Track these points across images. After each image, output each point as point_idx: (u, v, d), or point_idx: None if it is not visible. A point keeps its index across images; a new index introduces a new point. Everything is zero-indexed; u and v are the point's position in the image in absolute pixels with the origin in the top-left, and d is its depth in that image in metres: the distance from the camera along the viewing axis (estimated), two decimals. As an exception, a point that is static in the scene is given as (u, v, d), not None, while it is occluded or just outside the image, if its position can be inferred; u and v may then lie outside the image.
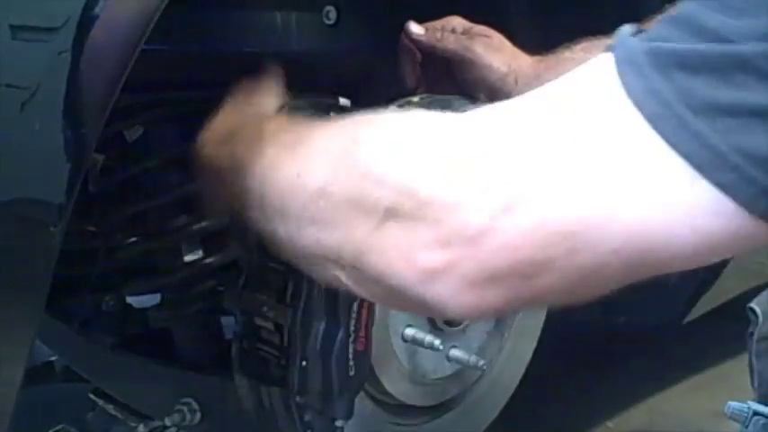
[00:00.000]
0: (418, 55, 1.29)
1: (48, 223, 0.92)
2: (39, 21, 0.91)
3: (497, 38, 1.28)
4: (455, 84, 1.30)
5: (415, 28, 1.28)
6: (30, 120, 0.91)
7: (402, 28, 1.30)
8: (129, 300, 1.40)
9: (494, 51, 1.27)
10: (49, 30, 0.89)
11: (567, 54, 1.27)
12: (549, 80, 1.31)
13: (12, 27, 0.91)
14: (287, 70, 1.32)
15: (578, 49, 1.27)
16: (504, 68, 1.26)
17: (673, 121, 0.61)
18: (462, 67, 1.28)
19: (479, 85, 1.28)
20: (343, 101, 1.28)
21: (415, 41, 1.28)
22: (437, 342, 1.25)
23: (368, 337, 1.20)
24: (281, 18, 1.24)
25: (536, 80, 1.27)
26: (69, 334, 1.39)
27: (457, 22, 1.29)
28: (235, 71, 1.27)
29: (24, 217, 0.94)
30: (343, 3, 1.27)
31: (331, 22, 1.28)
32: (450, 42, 1.27)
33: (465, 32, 1.28)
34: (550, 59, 1.28)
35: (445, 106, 1.30)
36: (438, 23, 1.29)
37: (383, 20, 1.30)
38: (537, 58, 1.28)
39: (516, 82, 1.27)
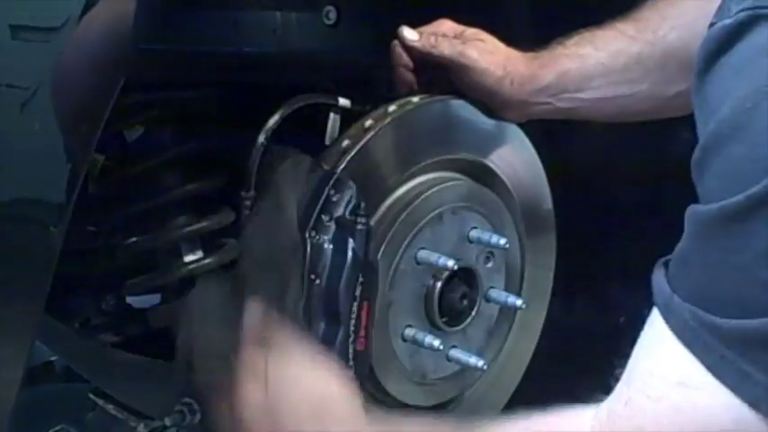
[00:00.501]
0: (409, 62, 1.29)
1: (48, 223, 0.92)
2: (39, 21, 0.91)
3: (490, 41, 1.28)
4: (451, 86, 1.30)
5: (410, 34, 1.28)
6: (30, 120, 0.91)
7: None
8: (129, 300, 1.40)
9: (488, 55, 1.26)
10: (49, 30, 0.90)
11: (559, 50, 1.28)
12: (545, 79, 1.32)
13: (12, 27, 0.91)
14: (287, 70, 1.32)
15: (571, 44, 1.27)
16: (499, 72, 1.26)
17: None
18: (458, 72, 1.28)
19: (475, 89, 1.28)
20: (343, 101, 1.28)
21: (409, 47, 1.28)
22: (437, 342, 1.25)
23: (368, 337, 1.20)
24: (281, 18, 1.24)
25: (531, 80, 1.27)
26: (69, 334, 1.39)
27: (447, 26, 1.29)
28: (235, 71, 1.28)
29: (24, 217, 0.94)
30: (343, 3, 1.27)
31: (331, 22, 1.28)
32: (445, 48, 1.26)
33: (457, 36, 1.28)
34: (544, 56, 1.28)
35: (443, 107, 1.30)
36: (428, 28, 1.29)
37: (383, 20, 1.30)
38: (531, 55, 1.28)
39: (512, 83, 1.27)
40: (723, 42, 0.74)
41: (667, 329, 0.77)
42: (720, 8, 0.77)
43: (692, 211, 0.77)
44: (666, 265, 0.81)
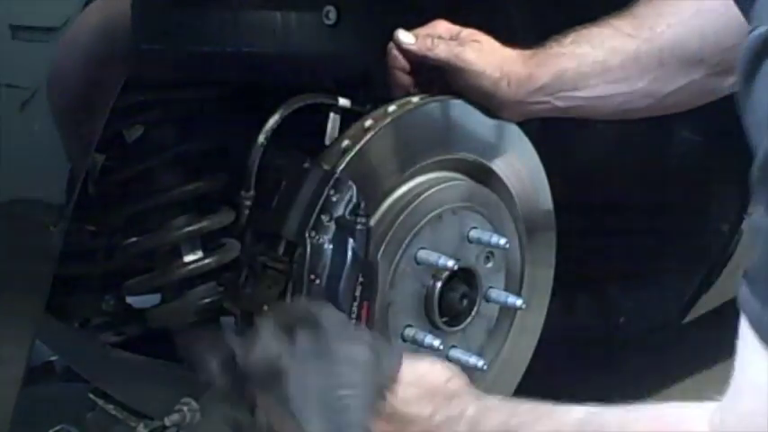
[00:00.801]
0: (406, 65, 1.28)
1: (48, 223, 0.92)
2: (39, 21, 0.91)
3: (487, 42, 1.28)
4: (448, 88, 1.30)
5: (405, 37, 1.28)
6: (30, 120, 0.91)
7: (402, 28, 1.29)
8: (129, 300, 1.40)
9: (485, 57, 1.26)
10: (49, 30, 0.90)
11: (556, 49, 1.27)
12: (542, 79, 1.32)
13: (12, 27, 0.91)
14: (287, 70, 1.32)
15: (568, 43, 1.27)
16: (496, 74, 1.26)
17: None
18: (454, 75, 1.27)
19: (472, 91, 1.28)
20: (343, 101, 1.28)
21: (405, 51, 1.28)
22: (437, 342, 1.25)
23: (368, 337, 1.20)
24: (281, 18, 1.24)
25: (528, 81, 1.27)
26: (69, 334, 1.39)
27: (443, 28, 1.29)
28: (235, 71, 1.28)
29: (24, 217, 0.95)
30: (343, 3, 1.27)
31: (331, 22, 1.28)
32: (442, 51, 1.26)
33: (454, 38, 1.28)
34: (540, 55, 1.27)
35: (443, 107, 1.30)
36: (424, 30, 1.28)
37: (383, 20, 1.30)
38: (527, 53, 1.28)
39: (509, 85, 1.26)
40: (762, 49, 0.74)
41: (761, 345, 0.77)
42: (753, 16, 0.77)
43: (759, 224, 0.77)
44: (747, 279, 0.81)
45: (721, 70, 1.21)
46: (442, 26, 1.28)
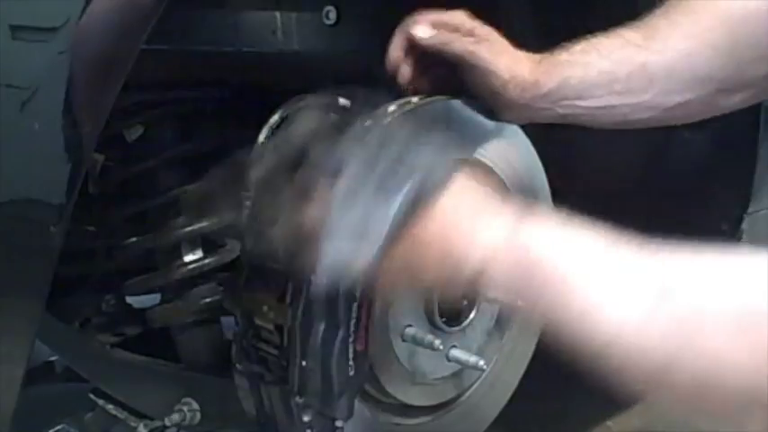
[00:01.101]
0: (409, 61, 1.28)
1: (48, 223, 0.92)
2: (39, 21, 0.91)
3: (499, 42, 1.27)
4: (450, 83, 1.29)
5: (422, 32, 1.26)
6: (30, 120, 0.91)
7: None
8: (129, 300, 1.41)
9: (498, 57, 1.25)
10: (49, 30, 0.90)
11: (564, 57, 1.26)
12: (546, 86, 1.31)
13: (12, 27, 0.91)
14: (287, 70, 1.32)
15: (576, 51, 1.26)
16: (506, 75, 1.25)
17: None
18: (465, 71, 1.27)
19: (481, 90, 1.27)
20: (343, 101, 1.28)
21: (419, 44, 1.26)
22: (437, 342, 1.25)
23: (368, 337, 1.20)
24: (281, 18, 1.24)
25: (534, 86, 1.26)
26: (69, 334, 1.39)
27: (460, 19, 1.27)
28: (235, 71, 1.28)
29: (24, 217, 0.94)
30: (343, 3, 1.27)
31: (331, 22, 1.28)
32: (457, 47, 1.25)
33: (468, 34, 1.27)
34: (549, 62, 1.27)
35: (443, 107, 1.30)
36: (442, 17, 1.26)
37: (383, 20, 1.30)
38: (536, 58, 1.27)
39: (516, 88, 1.26)
40: None
41: None
42: None
43: None
44: None
45: (730, 87, 1.20)
46: (458, 17, 1.27)
